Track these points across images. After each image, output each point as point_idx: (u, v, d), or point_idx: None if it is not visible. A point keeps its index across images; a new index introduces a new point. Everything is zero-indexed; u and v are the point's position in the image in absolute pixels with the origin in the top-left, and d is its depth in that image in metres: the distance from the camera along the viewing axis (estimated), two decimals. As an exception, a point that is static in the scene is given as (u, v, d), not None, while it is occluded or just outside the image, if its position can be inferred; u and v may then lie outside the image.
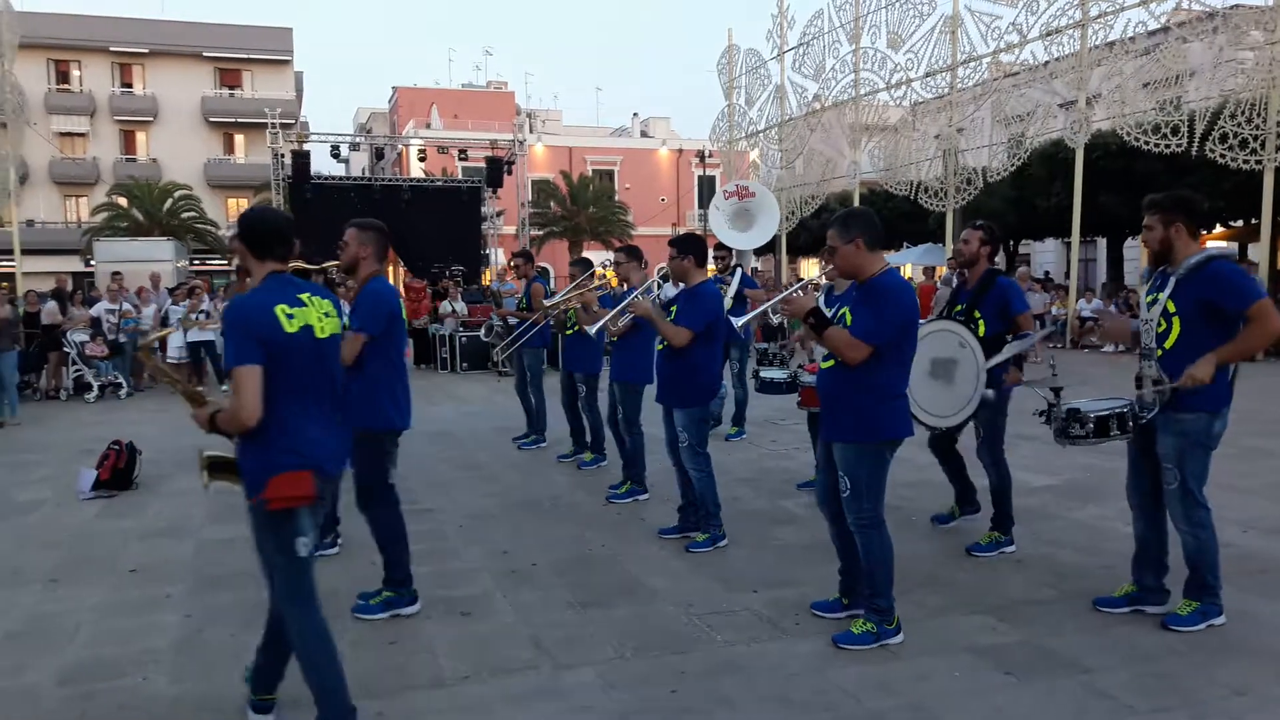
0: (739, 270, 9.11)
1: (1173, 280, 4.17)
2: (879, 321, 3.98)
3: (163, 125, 47.25)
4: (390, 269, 22.16)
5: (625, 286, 7.20)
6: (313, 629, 3.26)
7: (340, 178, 29.00)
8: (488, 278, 24.88)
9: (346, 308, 4.74)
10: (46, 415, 12.47)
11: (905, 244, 31.40)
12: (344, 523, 5.73)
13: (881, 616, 4.15)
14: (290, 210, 21.62)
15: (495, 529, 6.28)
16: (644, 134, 54.43)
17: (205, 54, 47.18)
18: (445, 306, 18.83)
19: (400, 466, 4.79)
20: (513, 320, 9.92)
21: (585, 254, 34.52)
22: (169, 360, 15.20)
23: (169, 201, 39.86)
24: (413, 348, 17.49)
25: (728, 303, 7.65)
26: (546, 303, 7.91)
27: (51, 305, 15.16)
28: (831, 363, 4.17)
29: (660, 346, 5.81)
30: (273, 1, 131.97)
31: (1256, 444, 8.27)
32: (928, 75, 22.26)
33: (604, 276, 8.27)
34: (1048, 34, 19.39)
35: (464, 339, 17.27)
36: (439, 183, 27.88)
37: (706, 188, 41.51)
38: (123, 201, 40.00)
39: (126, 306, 15.04)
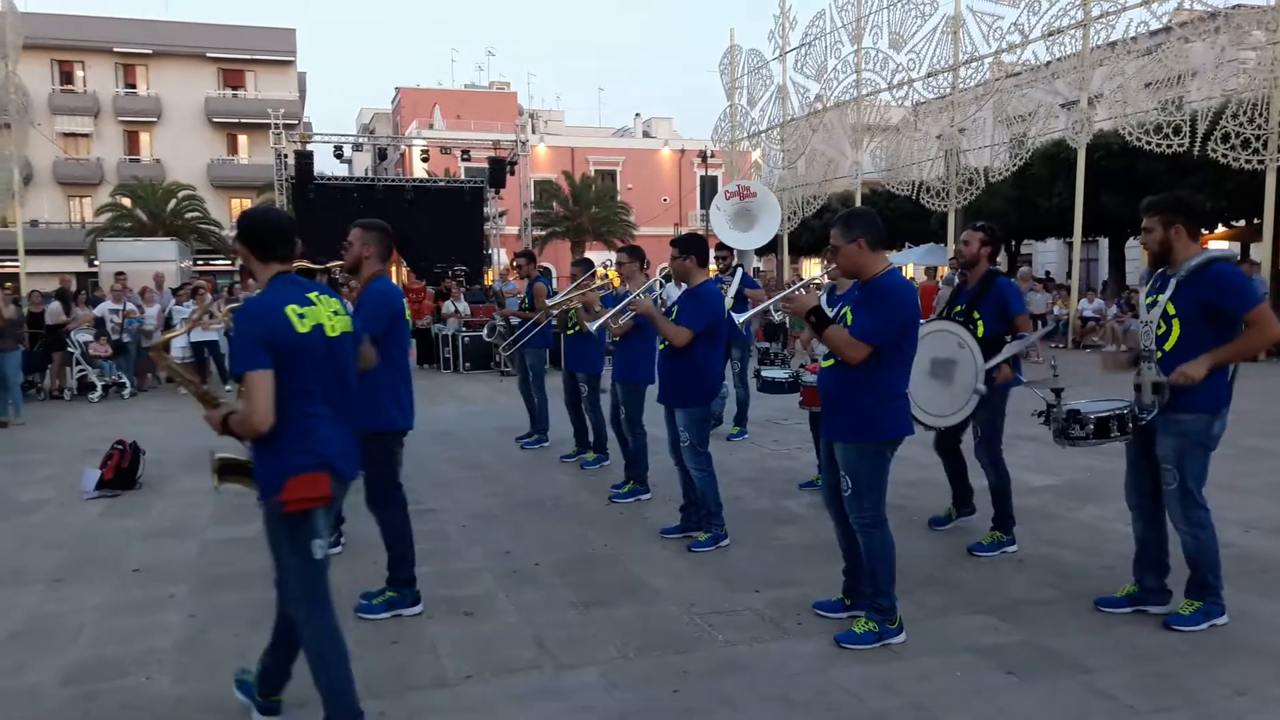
0: (739, 270, 9.12)
1: (1173, 282, 4.16)
2: (879, 321, 3.98)
3: (166, 126, 47.34)
4: (393, 269, 22.16)
5: (628, 287, 7.20)
6: (326, 632, 3.25)
7: (343, 178, 29.08)
8: (490, 278, 24.92)
9: (350, 308, 4.74)
10: (50, 415, 12.49)
11: (907, 244, 31.37)
12: (348, 522, 5.75)
13: (884, 616, 4.16)
14: (293, 210, 21.68)
15: (498, 529, 6.29)
16: (646, 134, 54.45)
17: (208, 55, 47.29)
18: (448, 306, 18.84)
19: (403, 466, 4.80)
20: (515, 320, 9.93)
21: (588, 254, 34.56)
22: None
23: (172, 202, 39.96)
24: (415, 348, 17.51)
25: (728, 302, 7.65)
26: (548, 302, 7.91)
27: (55, 305, 15.16)
28: (832, 362, 4.18)
29: (662, 346, 5.82)
30: (276, 2, 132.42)
31: (1257, 444, 8.27)
32: (930, 75, 22.26)
33: (606, 277, 8.27)
34: (1050, 34, 19.38)
35: (467, 339, 17.28)
36: (442, 183, 27.94)
37: (709, 188, 41.56)
38: (126, 202, 40.08)
39: (130, 307, 15.06)
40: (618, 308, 6.73)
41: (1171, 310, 4.15)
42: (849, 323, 4.10)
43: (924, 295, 15.74)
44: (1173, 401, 4.13)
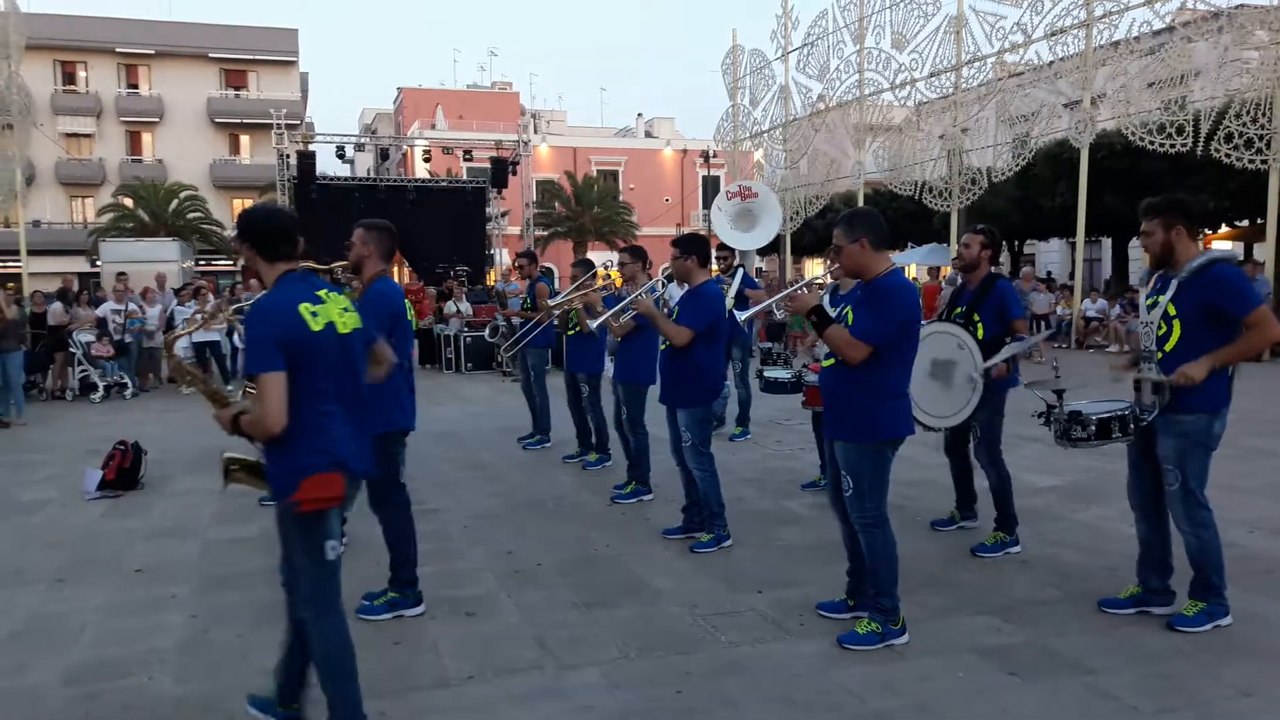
0: (740, 270, 9.12)
1: (1174, 283, 4.16)
2: (879, 322, 3.98)
3: (168, 126, 47.42)
4: (395, 269, 22.17)
5: (630, 287, 7.20)
6: (335, 634, 3.23)
7: (345, 178, 29.10)
8: (492, 278, 24.92)
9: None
10: (52, 415, 12.50)
11: (910, 244, 31.38)
12: (350, 522, 5.73)
13: (886, 616, 4.15)
14: (295, 211, 21.66)
15: (500, 529, 6.28)
16: (648, 134, 54.49)
17: (211, 55, 47.36)
18: (450, 307, 18.85)
19: (405, 466, 4.80)
20: (517, 320, 9.93)
21: (590, 254, 34.57)
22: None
23: (175, 202, 40.04)
24: (417, 348, 17.51)
25: (729, 302, 7.65)
26: (550, 302, 7.91)
27: (57, 306, 15.19)
28: (833, 361, 4.17)
29: (663, 347, 5.81)
30: (278, 2, 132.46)
31: (1258, 444, 8.25)
32: (932, 75, 22.24)
33: (608, 277, 8.27)
34: (1052, 34, 19.36)
35: (469, 339, 17.28)
36: (444, 183, 27.94)
37: (711, 188, 41.55)
38: (128, 202, 40.16)
39: (132, 307, 15.07)
40: (618, 307, 6.73)
41: (1172, 311, 4.15)
42: (850, 322, 4.10)
43: (927, 295, 15.73)
44: (1173, 402, 4.13)
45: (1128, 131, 18.22)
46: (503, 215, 27.54)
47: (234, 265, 38.52)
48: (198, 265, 32.60)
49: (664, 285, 7.34)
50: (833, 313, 4.36)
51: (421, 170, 32.93)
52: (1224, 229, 23.98)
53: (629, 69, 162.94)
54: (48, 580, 5.32)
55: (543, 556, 5.59)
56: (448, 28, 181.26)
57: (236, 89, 48.84)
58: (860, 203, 24.46)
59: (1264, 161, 16.28)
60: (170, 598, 4.99)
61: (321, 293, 3.22)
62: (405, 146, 41.64)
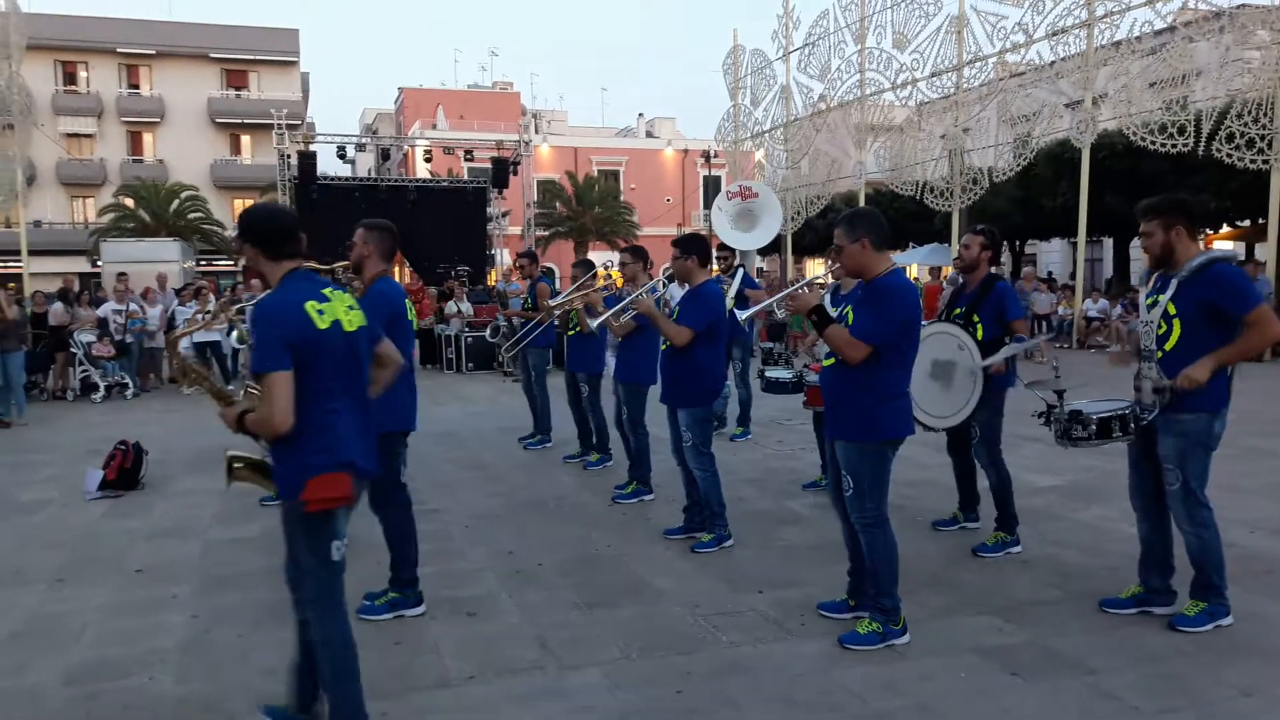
0: (740, 270, 9.12)
1: (1174, 282, 4.16)
2: (879, 322, 3.98)
3: (169, 126, 47.44)
4: (396, 269, 22.17)
5: (632, 287, 7.19)
6: (339, 634, 3.22)
7: (346, 178, 29.09)
8: (493, 278, 24.91)
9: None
10: (53, 415, 12.50)
11: (911, 244, 31.38)
12: (350, 522, 5.72)
13: (887, 616, 4.14)
14: (296, 211, 21.66)
15: (501, 529, 6.28)
16: (649, 134, 54.49)
17: (211, 55, 47.39)
18: (451, 307, 18.84)
19: (406, 467, 4.79)
20: (518, 320, 9.93)
21: (591, 254, 34.53)
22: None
23: (175, 202, 40.07)
24: (418, 348, 17.50)
25: (729, 302, 7.65)
26: (550, 303, 7.91)
27: (58, 306, 15.19)
28: (833, 361, 4.17)
29: (664, 347, 5.81)
30: (279, 3, 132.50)
31: (1259, 444, 8.25)
32: (933, 75, 22.23)
33: (609, 277, 8.27)
34: (1054, 34, 19.34)
35: (470, 339, 17.28)
36: (445, 183, 27.94)
37: (712, 188, 41.51)
38: (129, 202, 40.18)
39: (133, 307, 15.07)
40: (618, 306, 6.73)
41: (1172, 310, 4.15)
42: (850, 322, 4.10)
43: (929, 295, 15.70)
44: (1174, 401, 4.13)
45: (1129, 131, 18.22)
46: (504, 215, 27.53)
47: (235, 265, 38.54)
48: (198, 265, 32.62)
49: (665, 285, 7.34)
50: (834, 313, 4.36)
51: (422, 170, 32.90)
52: (1225, 229, 23.97)
53: (630, 69, 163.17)
54: (48, 580, 5.32)
55: (544, 556, 5.59)
56: (449, 28, 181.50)
57: (237, 89, 48.86)
58: (861, 203, 24.45)
59: (1265, 161, 16.27)
60: (171, 598, 4.99)
61: (327, 291, 3.21)
62: (406, 146, 41.69)
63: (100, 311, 14.97)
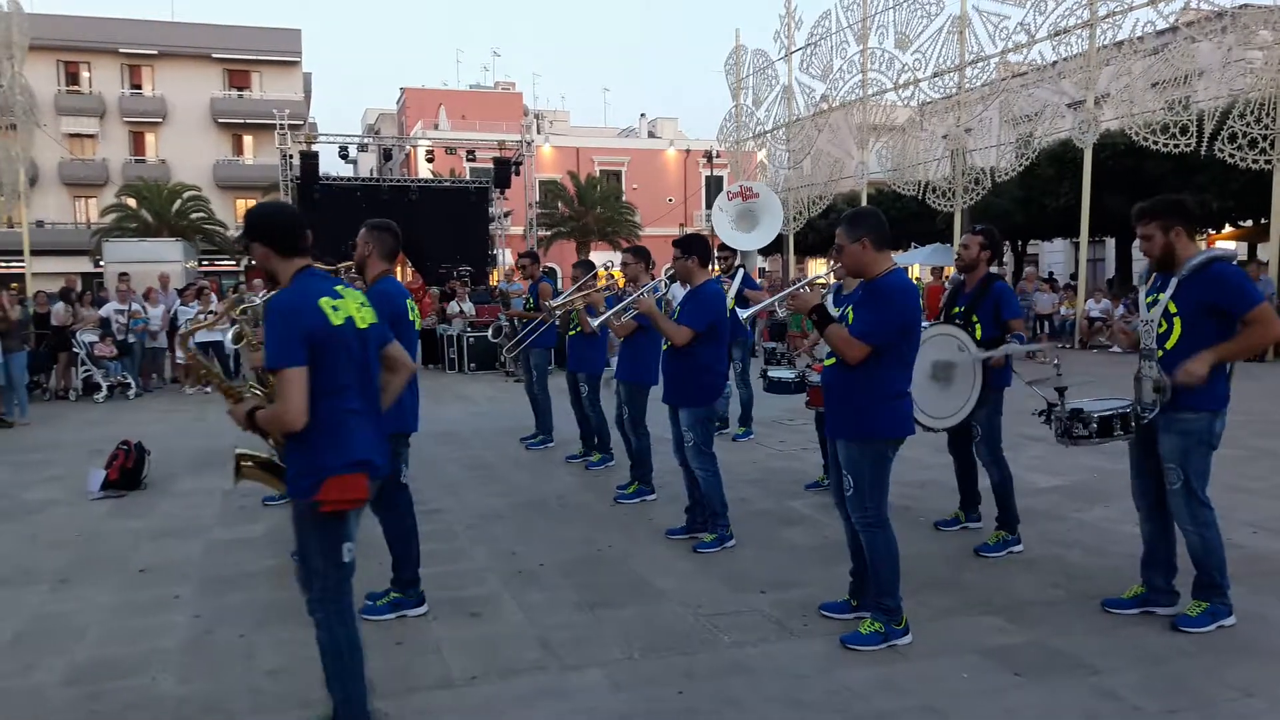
0: (741, 270, 9.12)
1: (1174, 281, 4.16)
2: (879, 322, 3.98)
3: (172, 126, 47.45)
4: (398, 269, 22.18)
5: (633, 288, 7.20)
6: (345, 636, 3.22)
7: (348, 178, 29.10)
8: (495, 278, 24.91)
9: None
10: (55, 415, 12.52)
11: (913, 244, 31.34)
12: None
13: (889, 616, 4.14)
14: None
15: (503, 529, 6.28)
16: (651, 134, 54.44)
17: (214, 55, 47.39)
18: (453, 307, 18.84)
19: (408, 467, 4.80)
20: (519, 321, 9.94)
21: (593, 254, 34.52)
22: (178, 363, 15.29)
23: (178, 202, 40.06)
24: (420, 348, 17.49)
25: (729, 302, 7.65)
26: (552, 303, 7.92)
27: (60, 306, 15.20)
28: (833, 360, 4.17)
29: (666, 346, 5.82)
30: (281, 3, 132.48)
31: (1261, 444, 8.23)
32: (935, 75, 22.22)
33: (611, 277, 8.27)
34: (1056, 34, 19.33)
35: (472, 339, 17.27)
36: (447, 183, 27.95)
37: (714, 188, 41.45)
38: (132, 202, 40.18)
39: (135, 307, 15.09)
40: (618, 306, 6.74)
41: (1173, 309, 4.15)
42: (850, 322, 4.10)
43: (930, 296, 15.68)
44: (1174, 400, 4.13)
45: (1131, 131, 18.21)
46: (505, 215, 27.53)
47: (237, 266, 38.57)
48: (201, 265, 32.58)
49: (667, 285, 7.35)
50: (835, 313, 4.36)
51: (424, 170, 32.88)
52: (1228, 229, 23.92)
53: (632, 69, 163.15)
54: (51, 580, 5.33)
55: (546, 557, 5.59)
56: (451, 28, 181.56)
57: (239, 89, 48.87)
58: (863, 203, 24.45)
59: (1268, 161, 16.26)
60: (174, 598, 4.99)
61: (339, 288, 3.20)
62: (408, 147, 41.66)
63: (102, 311, 14.99)
